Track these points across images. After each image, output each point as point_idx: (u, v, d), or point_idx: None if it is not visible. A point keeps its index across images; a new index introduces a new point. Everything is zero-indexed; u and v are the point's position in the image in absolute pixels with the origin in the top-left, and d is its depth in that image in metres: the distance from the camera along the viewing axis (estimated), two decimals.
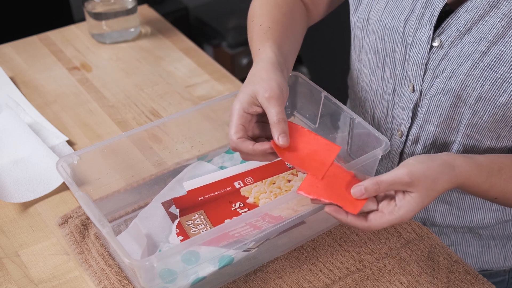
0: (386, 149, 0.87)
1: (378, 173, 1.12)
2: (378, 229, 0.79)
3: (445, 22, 0.91)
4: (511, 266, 1.10)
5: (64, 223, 0.97)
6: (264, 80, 0.85)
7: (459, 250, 1.08)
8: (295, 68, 2.45)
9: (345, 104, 1.24)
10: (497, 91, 0.88)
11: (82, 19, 1.43)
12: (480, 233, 1.06)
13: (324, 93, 0.97)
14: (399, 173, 0.78)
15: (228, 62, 2.58)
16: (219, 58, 2.58)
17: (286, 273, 0.90)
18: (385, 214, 0.79)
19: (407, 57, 0.95)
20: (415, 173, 0.78)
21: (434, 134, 0.97)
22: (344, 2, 1.12)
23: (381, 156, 0.88)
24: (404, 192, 0.79)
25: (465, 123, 0.93)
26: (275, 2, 1.02)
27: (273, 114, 0.82)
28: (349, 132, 0.96)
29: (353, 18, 1.04)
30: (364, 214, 0.79)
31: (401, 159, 1.04)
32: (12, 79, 1.28)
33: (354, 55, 1.08)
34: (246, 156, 0.85)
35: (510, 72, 0.87)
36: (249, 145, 0.83)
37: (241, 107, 0.84)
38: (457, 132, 0.95)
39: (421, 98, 0.96)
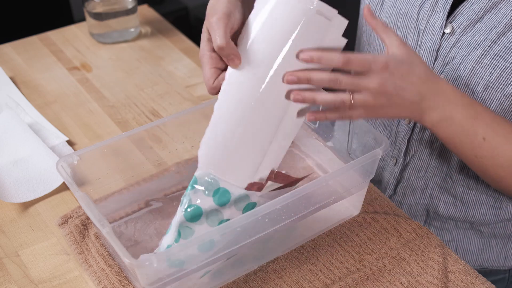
0: (386, 149, 0.87)
1: (385, 162, 1.12)
2: (349, 62, 0.77)
3: (458, 9, 0.92)
4: (511, 266, 1.10)
5: (64, 223, 0.97)
6: (213, 8, 0.82)
7: (460, 246, 1.08)
8: None
9: None
10: (505, 80, 0.89)
11: (82, 19, 1.43)
12: (481, 231, 1.06)
13: None
14: None
15: None
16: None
17: (286, 273, 0.90)
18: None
19: (419, 43, 0.96)
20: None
21: None
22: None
23: (387, 147, 0.88)
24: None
25: None
26: None
27: (216, 38, 0.78)
28: (349, 132, 0.96)
29: (366, 0, 1.05)
30: None
31: (408, 146, 1.04)
32: (12, 79, 1.28)
33: (364, 37, 1.09)
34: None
35: None
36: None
37: (207, 47, 0.82)
38: None
39: None
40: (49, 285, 0.89)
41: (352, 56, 0.77)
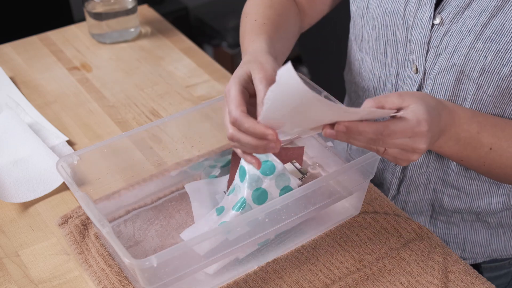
0: None
1: (385, 163, 1.12)
2: (392, 134, 0.75)
3: (445, 0, 0.92)
4: None
5: (64, 223, 0.97)
6: (260, 62, 0.83)
7: (467, 239, 1.09)
8: (295, 68, 2.43)
9: (342, 101, 1.24)
10: (500, 61, 0.89)
11: (82, 19, 1.43)
12: (488, 221, 1.07)
13: (324, 93, 0.97)
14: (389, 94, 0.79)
15: (228, 62, 2.58)
16: (219, 58, 2.58)
17: (286, 273, 0.90)
18: (403, 117, 0.77)
19: (408, 38, 0.97)
20: (402, 91, 0.80)
21: None
22: None
23: None
24: (404, 108, 0.78)
25: (471, 99, 0.94)
26: (270, 3, 1.03)
27: (263, 95, 0.79)
28: None
29: (353, 7, 1.06)
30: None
31: None
32: (12, 79, 1.28)
33: (355, 45, 1.09)
34: (243, 138, 0.77)
35: None
36: (253, 120, 0.75)
37: (239, 82, 0.80)
38: None
39: (425, 78, 0.97)
40: (49, 285, 0.89)
41: (392, 126, 0.75)
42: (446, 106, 0.84)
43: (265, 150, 0.77)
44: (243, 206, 0.88)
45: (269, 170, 0.90)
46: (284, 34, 0.99)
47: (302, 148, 1.01)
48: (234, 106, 0.77)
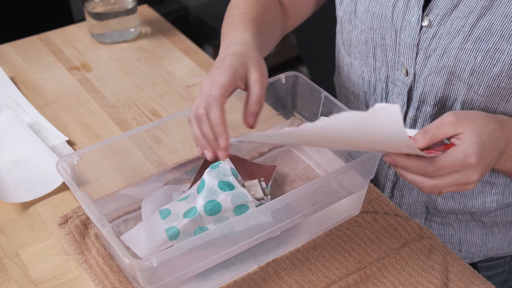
0: None
1: (379, 167, 1.12)
2: (440, 170, 0.73)
3: (432, 1, 0.93)
4: None
5: (64, 223, 0.97)
6: (256, 60, 0.83)
7: (463, 239, 1.09)
8: (295, 68, 2.45)
9: None
10: (490, 61, 0.90)
11: (82, 19, 1.43)
12: (483, 220, 1.07)
13: (324, 93, 0.97)
14: (443, 116, 0.76)
15: None
16: None
17: (286, 273, 0.90)
18: (450, 152, 0.74)
19: (398, 41, 0.97)
20: (458, 113, 0.76)
21: (431, 115, 0.99)
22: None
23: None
24: (457, 136, 0.75)
25: (461, 100, 0.94)
26: (258, 0, 1.02)
27: (255, 95, 0.81)
28: None
29: (339, 13, 1.06)
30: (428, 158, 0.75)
31: None
32: (12, 79, 1.28)
33: (343, 50, 1.10)
34: (202, 127, 0.81)
35: (501, 41, 0.88)
36: (223, 116, 0.79)
37: (234, 74, 0.80)
38: (454, 110, 0.96)
39: (415, 80, 0.98)
40: (49, 285, 0.89)
41: (439, 162, 0.73)
42: (508, 126, 0.80)
43: (212, 147, 0.82)
44: (194, 214, 0.86)
45: (228, 187, 0.87)
46: (269, 33, 0.99)
47: (274, 167, 1.00)
48: (220, 93, 0.79)
